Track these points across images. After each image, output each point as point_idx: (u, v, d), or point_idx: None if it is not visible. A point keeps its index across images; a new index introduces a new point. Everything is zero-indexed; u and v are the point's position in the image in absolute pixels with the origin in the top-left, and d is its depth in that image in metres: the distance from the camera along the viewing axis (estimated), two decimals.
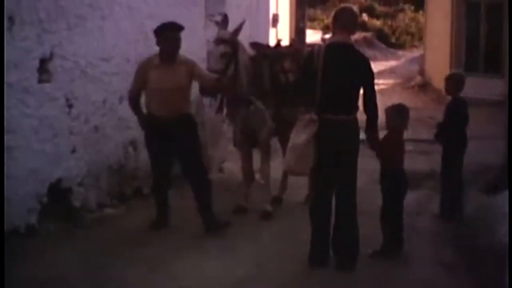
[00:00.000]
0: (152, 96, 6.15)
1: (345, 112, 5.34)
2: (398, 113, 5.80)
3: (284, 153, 6.35)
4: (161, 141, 6.13)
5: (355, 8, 5.73)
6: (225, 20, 6.78)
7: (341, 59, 5.35)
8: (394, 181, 5.76)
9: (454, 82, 6.97)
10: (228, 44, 6.49)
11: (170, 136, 6.07)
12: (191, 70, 6.14)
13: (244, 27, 6.72)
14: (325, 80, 5.29)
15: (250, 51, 6.96)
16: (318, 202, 5.49)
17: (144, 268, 5.34)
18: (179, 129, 6.09)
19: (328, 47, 5.40)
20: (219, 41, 6.51)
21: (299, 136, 5.34)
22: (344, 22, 5.42)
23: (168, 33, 6.04)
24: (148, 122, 6.22)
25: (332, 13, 5.59)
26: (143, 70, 6.14)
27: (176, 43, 6.08)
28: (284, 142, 6.56)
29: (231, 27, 6.70)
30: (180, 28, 6.10)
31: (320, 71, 5.29)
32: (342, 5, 5.79)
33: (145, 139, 6.39)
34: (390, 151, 5.70)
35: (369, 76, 5.43)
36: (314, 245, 5.47)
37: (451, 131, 6.85)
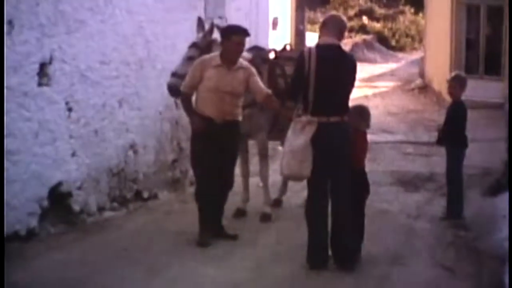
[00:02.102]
0: (205, 96, 5.98)
1: (337, 114, 5.36)
2: (359, 114, 5.72)
3: None
4: (209, 144, 5.89)
5: (344, 18, 5.83)
6: (199, 23, 6.77)
7: (332, 60, 5.35)
8: (355, 181, 5.55)
9: (457, 83, 6.99)
10: (196, 47, 6.48)
11: (217, 139, 5.89)
12: (248, 77, 6.02)
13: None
14: (317, 82, 5.29)
15: (248, 55, 6.93)
16: (314, 204, 5.49)
17: (143, 272, 5.33)
18: (227, 134, 5.95)
19: (317, 49, 5.40)
20: (191, 44, 6.55)
21: (297, 139, 5.32)
22: (331, 24, 5.51)
23: (238, 36, 5.95)
24: (204, 124, 5.92)
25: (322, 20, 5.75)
26: (200, 68, 5.98)
27: (241, 47, 6.00)
28: None
29: None
30: (248, 33, 6.03)
31: (312, 74, 5.29)
32: (332, 12, 5.90)
33: (191, 140, 6.16)
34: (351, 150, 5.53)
35: (354, 78, 5.56)
36: (312, 247, 5.46)
37: (453, 133, 6.87)
